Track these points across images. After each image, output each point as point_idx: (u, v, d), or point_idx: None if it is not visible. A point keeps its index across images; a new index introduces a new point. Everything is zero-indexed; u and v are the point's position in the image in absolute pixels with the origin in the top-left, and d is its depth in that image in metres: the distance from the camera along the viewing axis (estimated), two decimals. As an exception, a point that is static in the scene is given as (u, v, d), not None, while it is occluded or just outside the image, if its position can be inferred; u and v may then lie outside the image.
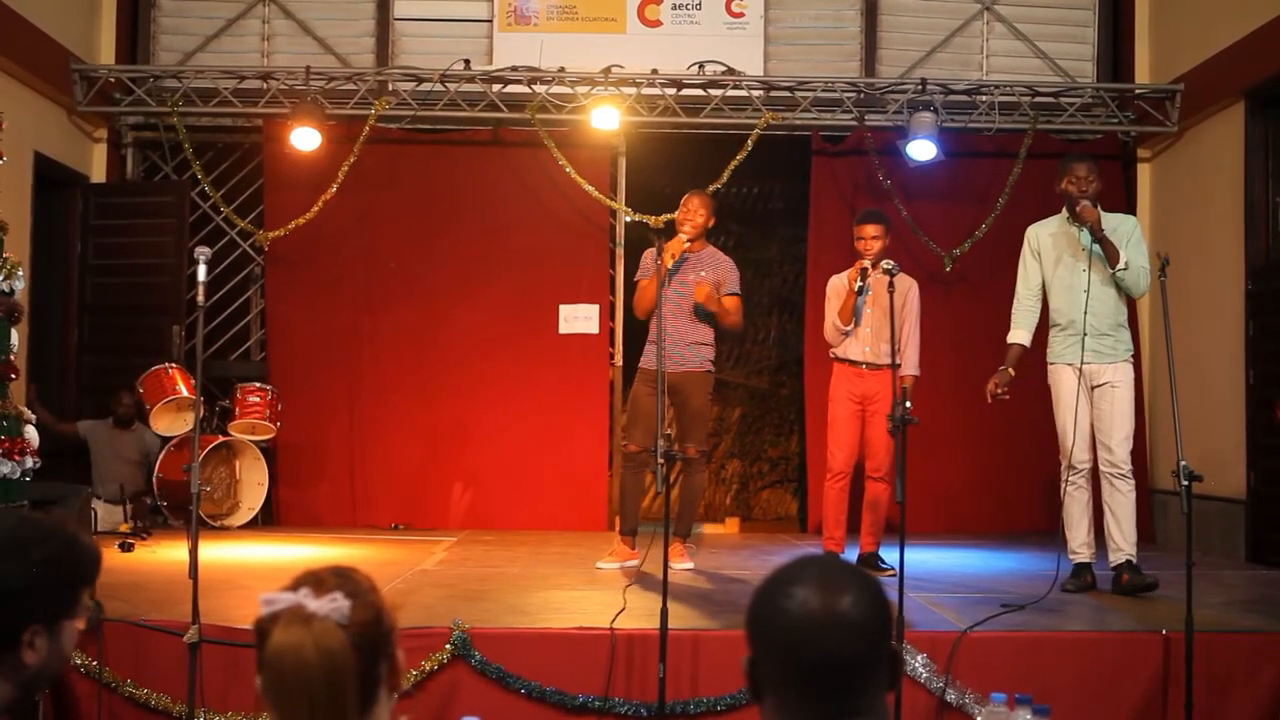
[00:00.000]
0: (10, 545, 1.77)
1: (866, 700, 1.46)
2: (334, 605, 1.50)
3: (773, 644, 1.48)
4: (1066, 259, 5.18)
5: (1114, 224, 5.21)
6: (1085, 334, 5.08)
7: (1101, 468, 5.11)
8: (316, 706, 1.46)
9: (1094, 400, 5.13)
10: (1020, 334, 5.32)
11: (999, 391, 5.23)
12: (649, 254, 5.87)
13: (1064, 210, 5.25)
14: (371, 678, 1.54)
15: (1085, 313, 5.07)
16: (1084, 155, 5.41)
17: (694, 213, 5.72)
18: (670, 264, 5.59)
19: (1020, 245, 5.44)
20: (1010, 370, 5.26)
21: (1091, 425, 5.14)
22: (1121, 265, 5.04)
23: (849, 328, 5.71)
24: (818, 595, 1.46)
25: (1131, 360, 5.20)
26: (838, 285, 5.86)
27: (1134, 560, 5.09)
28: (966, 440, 7.80)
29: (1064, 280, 5.19)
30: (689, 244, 5.69)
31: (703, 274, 5.71)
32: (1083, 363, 5.10)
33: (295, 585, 1.54)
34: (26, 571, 1.75)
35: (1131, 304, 5.29)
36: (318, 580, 1.55)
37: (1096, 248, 5.08)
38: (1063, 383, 5.18)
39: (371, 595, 1.57)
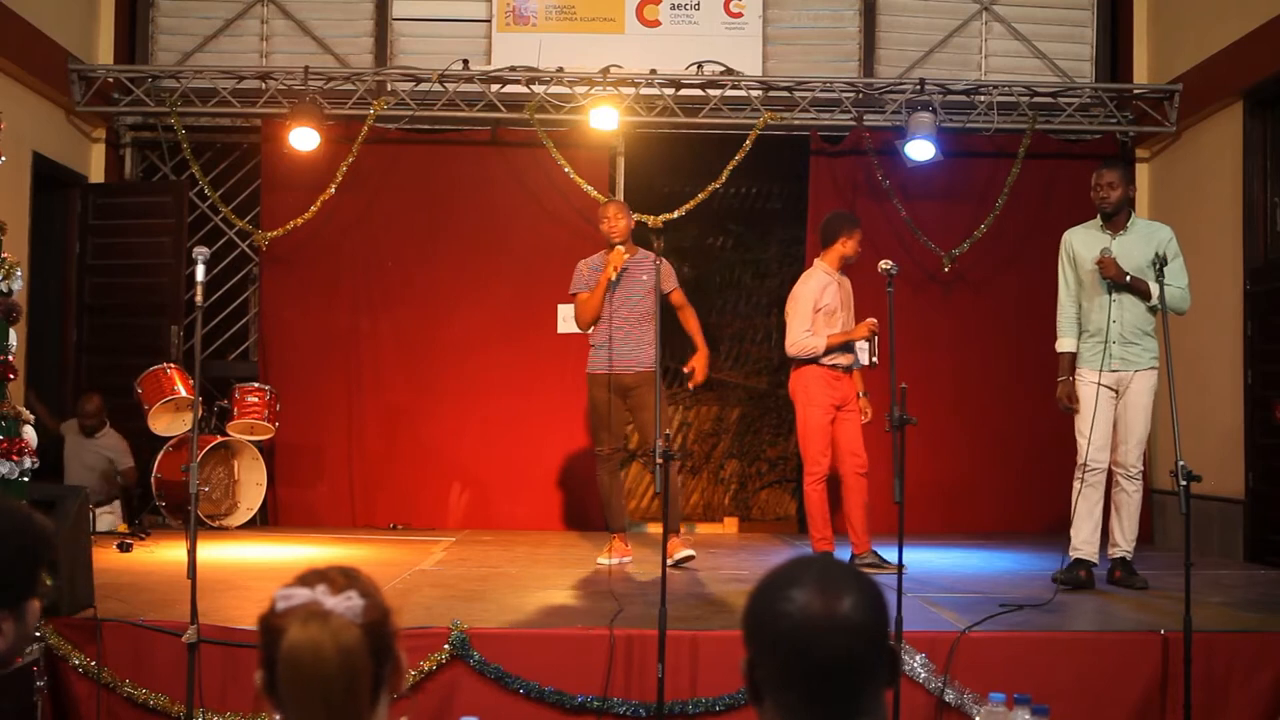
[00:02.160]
0: None
1: (867, 701, 1.46)
2: (349, 604, 1.50)
3: (774, 647, 1.47)
4: (1095, 267, 5.18)
5: (1148, 230, 5.26)
6: (1112, 341, 5.10)
7: (1114, 468, 5.20)
8: (333, 704, 1.45)
9: (1116, 404, 5.18)
10: (1067, 341, 5.33)
11: (1070, 404, 5.25)
12: (582, 265, 6.01)
13: (1098, 217, 5.29)
14: (378, 678, 1.53)
15: (1111, 320, 5.10)
16: (1114, 162, 5.42)
17: (615, 219, 5.87)
18: (614, 275, 5.78)
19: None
20: (1071, 379, 5.28)
21: (1113, 426, 5.19)
22: (1154, 302, 5.07)
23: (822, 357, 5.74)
24: (819, 598, 1.46)
25: (1155, 368, 5.21)
26: (816, 294, 5.76)
27: (1129, 558, 5.24)
28: (966, 439, 7.80)
29: (1092, 288, 5.21)
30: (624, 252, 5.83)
31: (644, 277, 5.83)
32: (1109, 369, 5.13)
33: (308, 582, 1.54)
34: None
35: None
36: (331, 578, 1.54)
37: (1125, 247, 5.11)
38: (1084, 386, 5.21)
39: (378, 596, 1.58)
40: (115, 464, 7.29)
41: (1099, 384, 5.13)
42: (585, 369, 7.36)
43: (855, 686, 1.45)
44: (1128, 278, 5.07)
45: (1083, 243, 5.29)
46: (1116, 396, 5.18)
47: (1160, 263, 4.69)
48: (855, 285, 6.04)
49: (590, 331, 5.95)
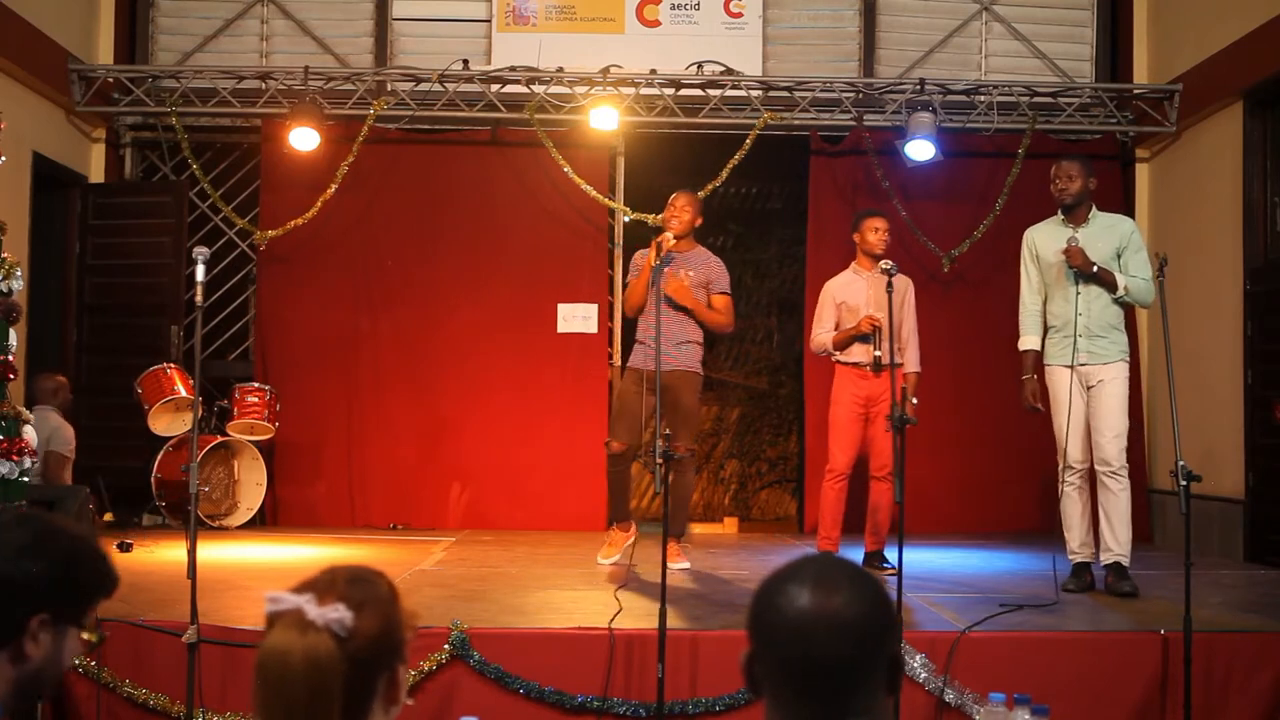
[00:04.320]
0: (37, 538, 1.79)
1: (862, 701, 1.46)
2: (335, 615, 1.48)
3: (766, 641, 1.49)
4: (1059, 262, 5.14)
5: (1109, 223, 5.22)
6: (1079, 335, 5.05)
7: (1096, 467, 5.08)
8: (293, 714, 1.45)
9: (1088, 399, 5.11)
10: (1031, 340, 5.28)
11: (1035, 403, 5.20)
12: (637, 255, 5.86)
13: (1059, 212, 5.25)
14: (365, 691, 1.51)
15: (1078, 314, 5.05)
16: (1073, 155, 5.40)
17: (680, 210, 5.70)
18: (655, 260, 5.53)
19: (1019, 245, 5.44)
20: (1035, 378, 5.23)
21: (1087, 425, 5.12)
22: (1121, 292, 5.04)
23: (836, 354, 5.76)
24: (810, 594, 1.46)
25: (1125, 360, 5.15)
26: (834, 291, 5.84)
27: (1124, 562, 5.04)
28: (966, 439, 7.81)
29: (1058, 282, 5.17)
30: (675, 241, 5.63)
31: (690, 273, 5.68)
32: (1078, 364, 5.08)
33: (304, 587, 1.52)
34: (44, 564, 1.77)
35: (1128, 305, 5.26)
36: (324, 586, 1.52)
37: (1087, 240, 5.06)
38: (1058, 384, 5.16)
39: (386, 606, 1.55)
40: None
41: (1072, 380, 5.06)
42: (586, 368, 7.33)
43: (847, 684, 1.45)
44: (1094, 268, 5.01)
45: (1045, 237, 5.25)
46: (1086, 392, 5.09)
47: (1162, 262, 4.67)
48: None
49: (638, 324, 5.77)
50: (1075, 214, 5.18)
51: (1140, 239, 5.19)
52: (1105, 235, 5.13)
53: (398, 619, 1.56)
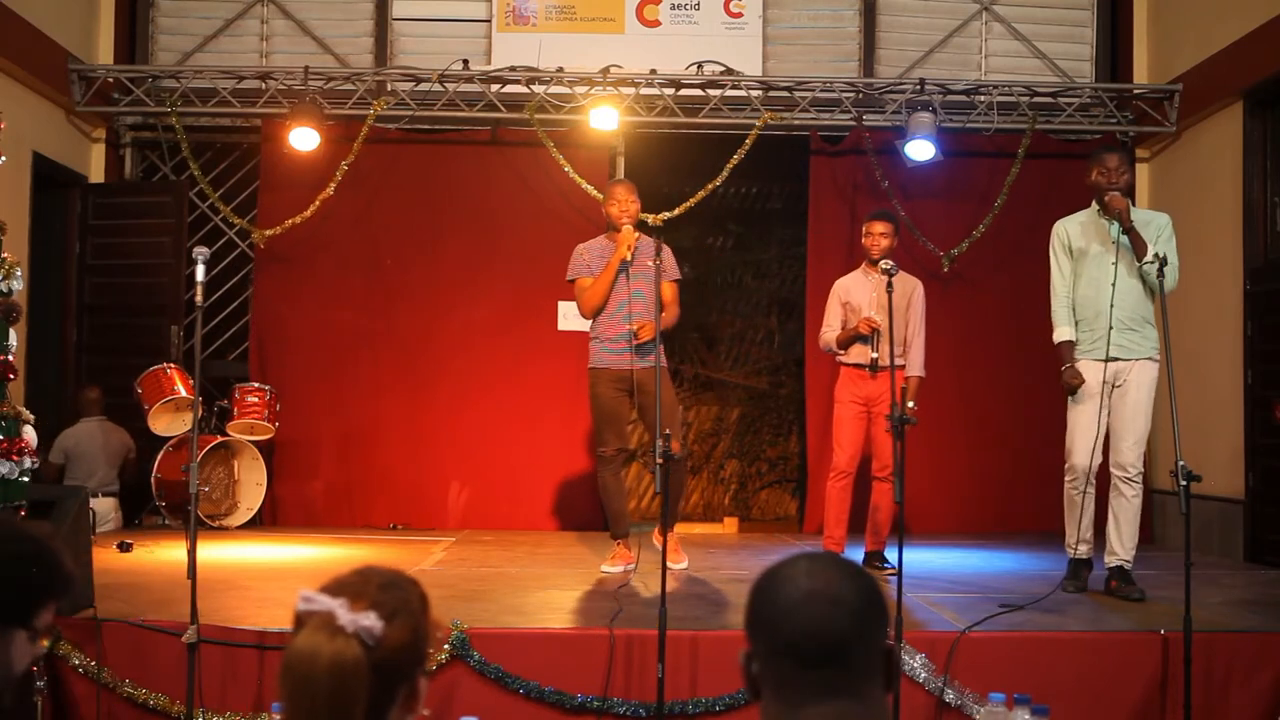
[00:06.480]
0: None
1: (861, 685, 1.48)
2: (366, 624, 1.48)
3: (764, 631, 1.51)
4: (1094, 251, 5.06)
5: (1146, 218, 5.11)
6: (1111, 327, 4.93)
7: (1111, 470, 5.01)
8: (315, 715, 1.45)
9: (1111, 400, 5.00)
10: (1066, 331, 5.13)
11: (1077, 381, 5.03)
12: (582, 249, 5.75)
13: (1093, 203, 5.14)
14: (385, 698, 1.51)
15: (1111, 305, 4.93)
16: (1115, 146, 5.32)
17: (627, 202, 5.61)
18: (628, 255, 5.50)
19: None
20: (1074, 365, 5.06)
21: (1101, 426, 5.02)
22: (1149, 258, 4.88)
23: (840, 353, 5.77)
24: (806, 578, 1.51)
25: (1154, 360, 5.03)
26: (839, 291, 5.84)
27: (1127, 567, 5.00)
28: (966, 439, 7.80)
29: (1091, 272, 5.06)
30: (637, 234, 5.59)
31: (649, 263, 5.50)
32: (1108, 358, 4.95)
33: (337, 589, 1.52)
34: None
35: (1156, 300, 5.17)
36: (358, 591, 1.52)
37: (1125, 239, 4.96)
38: (1085, 379, 5.03)
39: (416, 617, 1.54)
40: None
41: (1102, 376, 4.97)
42: (586, 365, 7.28)
43: (843, 661, 1.47)
44: (1132, 224, 4.91)
45: (1081, 226, 5.15)
46: (1111, 392, 5.00)
47: (1162, 263, 4.65)
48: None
49: (592, 322, 5.67)
50: None
51: (1172, 231, 5.09)
52: (1144, 229, 5.02)
53: (425, 630, 1.56)
